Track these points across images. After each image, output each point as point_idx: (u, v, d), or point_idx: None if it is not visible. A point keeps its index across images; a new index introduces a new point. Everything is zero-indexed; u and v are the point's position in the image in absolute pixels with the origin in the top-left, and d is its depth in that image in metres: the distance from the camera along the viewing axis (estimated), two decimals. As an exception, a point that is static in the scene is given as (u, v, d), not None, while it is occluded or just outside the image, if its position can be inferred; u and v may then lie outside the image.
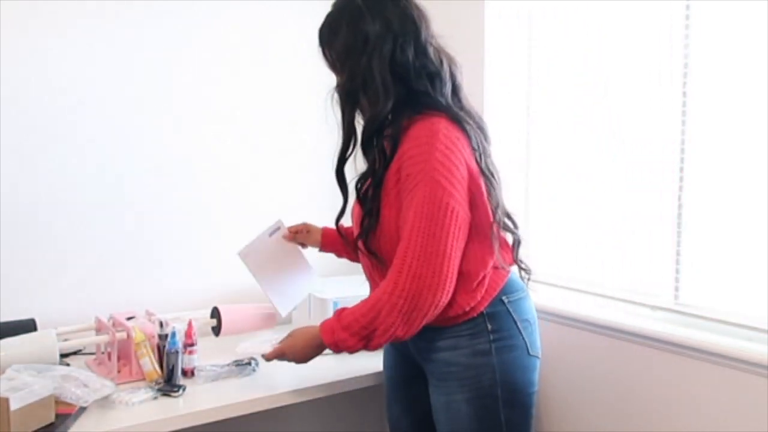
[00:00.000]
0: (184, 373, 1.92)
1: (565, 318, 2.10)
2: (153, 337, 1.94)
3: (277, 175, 2.55)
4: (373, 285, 1.75)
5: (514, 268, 1.76)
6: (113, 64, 2.21)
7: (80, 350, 2.07)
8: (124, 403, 1.74)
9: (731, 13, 1.79)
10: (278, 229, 2.03)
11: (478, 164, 1.60)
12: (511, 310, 1.67)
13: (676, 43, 1.89)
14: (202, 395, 1.84)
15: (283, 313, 2.00)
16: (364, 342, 1.59)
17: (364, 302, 1.61)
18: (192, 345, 1.95)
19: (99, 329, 2.03)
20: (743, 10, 1.76)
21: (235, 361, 2.02)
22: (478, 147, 1.61)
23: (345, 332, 1.59)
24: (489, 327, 1.64)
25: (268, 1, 2.47)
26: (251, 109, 2.48)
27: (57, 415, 1.61)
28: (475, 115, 1.70)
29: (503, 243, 1.70)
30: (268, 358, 1.78)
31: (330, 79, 1.71)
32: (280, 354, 1.74)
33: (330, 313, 2.15)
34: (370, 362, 2.11)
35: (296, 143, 2.56)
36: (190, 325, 1.97)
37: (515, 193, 2.28)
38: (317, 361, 2.13)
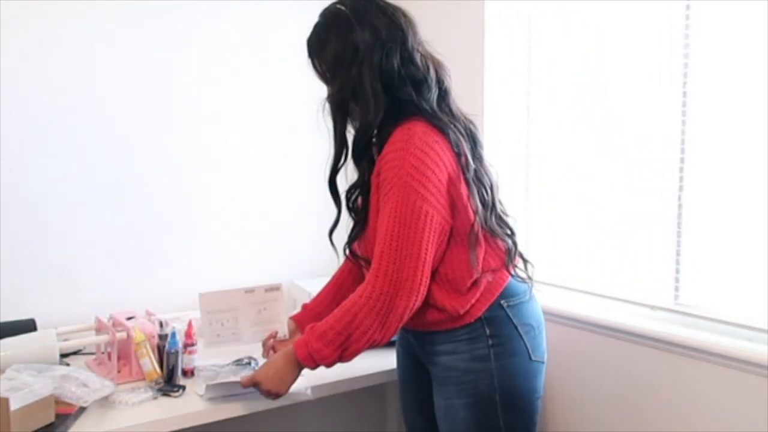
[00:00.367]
0: (184, 373, 1.92)
1: (565, 318, 2.10)
2: (153, 337, 1.94)
3: (278, 175, 2.55)
4: None
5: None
6: (113, 65, 2.21)
7: (80, 350, 2.07)
8: (124, 403, 1.74)
9: (731, 13, 1.79)
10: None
11: (461, 168, 1.59)
12: (510, 314, 1.65)
13: (676, 43, 1.89)
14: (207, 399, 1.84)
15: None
16: (341, 351, 1.56)
17: (337, 309, 1.59)
18: (192, 345, 1.94)
19: (99, 329, 2.03)
20: (743, 10, 1.76)
21: (235, 361, 2.02)
22: (461, 151, 1.59)
23: (319, 342, 1.57)
24: (487, 332, 1.63)
25: (268, 1, 2.47)
26: (252, 110, 2.48)
27: (57, 415, 1.60)
28: (463, 119, 1.68)
29: (496, 248, 1.67)
30: (244, 384, 1.71)
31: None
32: (255, 382, 1.67)
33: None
34: (371, 362, 2.10)
35: (297, 144, 2.56)
36: (190, 325, 1.97)
37: (515, 194, 2.28)
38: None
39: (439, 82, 1.65)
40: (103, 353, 2.00)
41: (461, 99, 1.73)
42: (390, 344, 2.22)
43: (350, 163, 1.67)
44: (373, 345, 1.58)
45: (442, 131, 1.58)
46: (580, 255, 2.20)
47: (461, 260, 1.61)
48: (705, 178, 1.87)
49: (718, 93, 1.83)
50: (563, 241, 2.24)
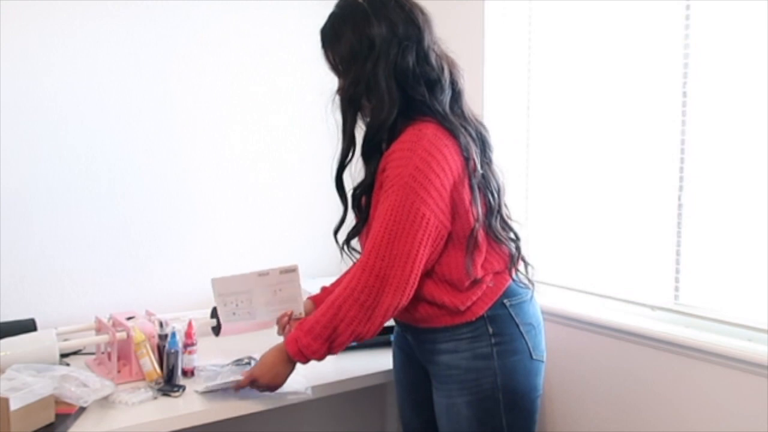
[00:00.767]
0: (184, 373, 1.92)
1: (565, 318, 2.10)
2: (153, 337, 1.94)
3: (278, 177, 2.55)
4: None
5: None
6: (113, 66, 2.21)
7: (80, 350, 2.07)
8: (124, 403, 1.74)
9: (731, 13, 1.79)
10: None
11: (468, 173, 1.58)
12: (513, 313, 1.65)
13: (676, 43, 1.90)
14: (202, 395, 1.84)
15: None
16: (328, 344, 1.58)
17: (324, 304, 1.61)
18: (192, 345, 1.94)
19: (99, 329, 2.03)
20: (743, 10, 1.76)
21: (235, 360, 2.02)
22: (469, 155, 1.58)
23: (307, 336, 1.59)
24: (490, 330, 1.63)
25: (268, 2, 2.47)
26: (252, 110, 2.48)
27: (57, 415, 1.60)
28: (475, 122, 1.68)
29: (500, 251, 1.66)
30: (240, 386, 1.74)
31: (332, 81, 1.70)
32: (252, 379, 1.71)
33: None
34: (370, 363, 2.11)
35: (297, 146, 2.56)
36: (190, 325, 1.97)
37: (515, 194, 2.28)
38: (317, 361, 2.15)
39: (453, 83, 1.63)
40: (103, 353, 2.00)
41: (461, 99, 1.72)
42: (388, 344, 2.24)
43: (356, 160, 1.66)
44: (359, 338, 1.58)
45: (453, 134, 1.57)
46: (579, 255, 2.20)
47: (458, 263, 1.61)
48: (705, 178, 1.87)
49: (718, 93, 1.83)
50: (563, 240, 2.24)
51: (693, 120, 1.88)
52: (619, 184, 2.07)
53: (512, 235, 1.69)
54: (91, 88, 2.18)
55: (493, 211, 1.64)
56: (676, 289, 1.94)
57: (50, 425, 1.58)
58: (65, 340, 1.93)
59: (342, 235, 1.73)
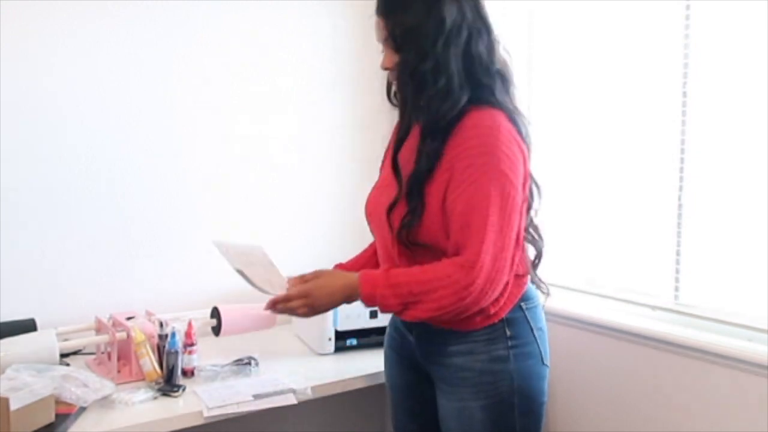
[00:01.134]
0: (184, 373, 1.92)
1: (566, 318, 2.10)
2: (153, 337, 1.94)
3: (278, 176, 2.55)
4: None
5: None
6: (114, 66, 2.21)
7: (80, 350, 2.07)
8: (124, 403, 1.74)
9: (731, 13, 1.79)
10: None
11: (528, 169, 1.55)
12: (528, 317, 1.62)
13: (676, 43, 1.90)
14: (202, 395, 1.84)
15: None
16: (403, 307, 1.52)
17: (423, 270, 1.51)
18: (192, 345, 1.95)
19: (99, 329, 2.03)
20: (743, 10, 1.76)
21: (235, 360, 2.02)
22: (530, 152, 1.56)
23: (389, 289, 1.52)
24: (508, 333, 1.59)
25: (268, 2, 2.47)
26: (253, 110, 2.47)
27: (57, 415, 1.60)
28: (527, 118, 1.64)
29: (525, 254, 1.64)
30: (289, 296, 1.61)
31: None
32: (305, 294, 1.60)
33: (330, 314, 2.16)
34: (370, 363, 2.11)
35: (297, 147, 2.56)
36: (190, 325, 1.97)
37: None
38: (317, 361, 2.15)
39: (510, 79, 1.61)
40: (103, 353, 2.00)
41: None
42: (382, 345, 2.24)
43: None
44: (430, 320, 1.53)
45: (518, 128, 1.54)
46: (579, 255, 2.20)
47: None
48: (705, 178, 1.87)
49: (718, 93, 1.83)
50: (563, 240, 2.24)
51: (693, 120, 1.88)
52: (619, 184, 2.07)
53: (538, 236, 1.66)
54: (92, 88, 2.18)
55: (530, 210, 1.62)
56: (676, 289, 1.94)
57: (50, 425, 1.58)
58: (65, 340, 1.93)
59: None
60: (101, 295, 2.20)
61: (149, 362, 1.87)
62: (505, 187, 1.47)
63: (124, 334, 1.91)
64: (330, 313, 2.17)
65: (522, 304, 1.61)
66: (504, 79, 1.58)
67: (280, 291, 1.64)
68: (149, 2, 2.24)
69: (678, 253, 1.93)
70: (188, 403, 1.79)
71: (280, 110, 2.53)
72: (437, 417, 1.69)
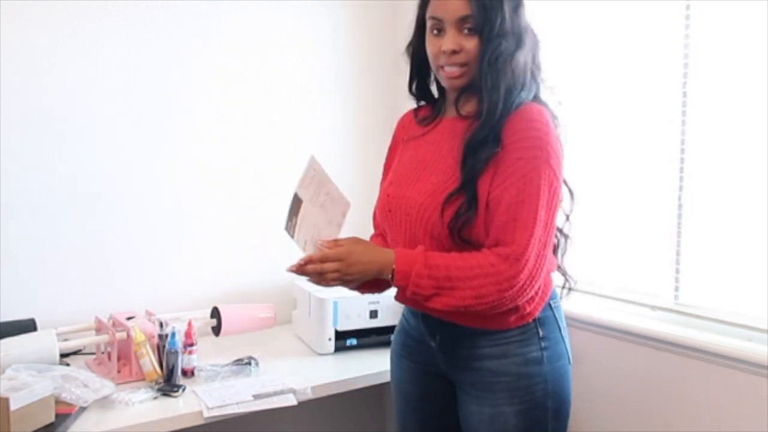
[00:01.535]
0: (184, 373, 1.92)
1: (565, 318, 2.09)
2: (153, 337, 1.94)
3: (278, 176, 2.55)
4: None
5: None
6: (114, 65, 2.21)
7: (80, 350, 2.07)
8: (124, 403, 1.74)
9: (731, 13, 1.79)
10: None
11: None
12: (556, 315, 1.58)
13: (676, 43, 1.90)
14: (202, 395, 1.84)
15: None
16: (434, 292, 1.44)
17: (463, 257, 1.45)
18: (192, 345, 1.95)
19: (99, 329, 2.03)
20: (743, 10, 1.76)
21: (235, 360, 2.02)
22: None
23: (426, 270, 1.44)
24: (540, 333, 1.54)
25: (268, 2, 2.47)
26: (252, 111, 2.47)
27: (57, 415, 1.60)
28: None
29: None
30: (327, 257, 1.49)
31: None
32: (341, 257, 1.48)
33: (330, 314, 2.17)
34: (370, 363, 2.11)
35: (296, 144, 2.56)
36: (190, 325, 1.97)
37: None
38: (317, 361, 2.15)
39: (546, 80, 1.60)
40: (103, 353, 2.00)
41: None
42: (387, 344, 2.24)
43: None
44: (463, 310, 1.45)
45: (556, 126, 1.54)
46: (579, 255, 2.19)
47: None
48: (705, 178, 1.87)
49: (718, 93, 1.83)
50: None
51: (693, 120, 1.88)
52: (619, 184, 2.07)
53: (565, 233, 1.65)
54: (92, 88, 2.18)
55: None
56: (676, 289, 1.94)
57: (50, 425, 1.58)
58: (65, 340, 1.93)
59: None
60: (101, 295, 2.20)
61: (149, 362, 1.87)
62: (552, 184, 1.45)
63: (124, 334, 1.91)
64: (330, 313, 2.17)
65: (551, 302, 1.58)
66: (542, 79, 1.58)
67: (316, 250, 1.52)
68: (149, 2, 2.25)
69: (678, 253, 1.93)
70: (188, 403, 1.79)
71: (280, 110, 2.52)
72: (452, 426, 1.62)
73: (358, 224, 1.81)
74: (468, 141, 1.49)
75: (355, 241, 1.54)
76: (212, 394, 1.82)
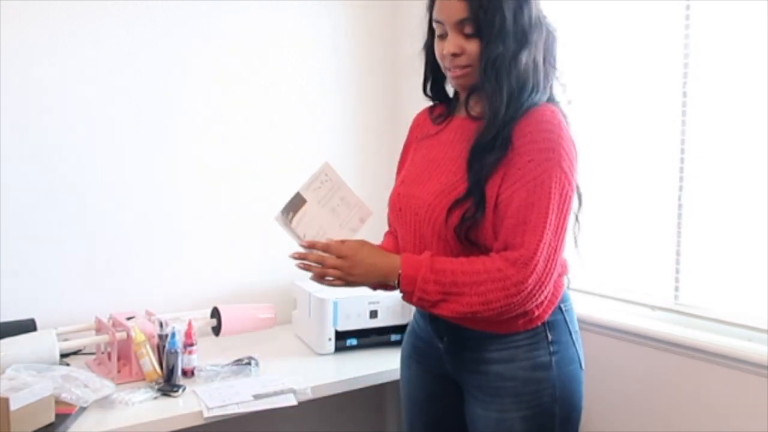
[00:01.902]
0: (184, 373, 1.92)
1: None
2: (153, 337, 1.94)
3: (278, 176, 2.55)
4: None
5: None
6: (114, 65, 2.21)
7: (80, 350, 2.07)
8: (124, 403, 1.74)
9: (731, 13, 1.79)
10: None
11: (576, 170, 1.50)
12: (567, 319, 1.55)
13: (676, 43, 1.90)
14: (202, 395, 1.84)
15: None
16: (441, 298, 1.42)
17: (471, 261, 1.43)
18: (192, 345, 1.94)
19: (99, 329, 2.03)
20: (743, 10, 1.76)
21: (235, 361, 2.02)
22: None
23: (433, 275, 1.43)
24: (549, 337, 1.51)
25: (268, 2, 2.47)
26: (252, 111, 2.47)
27: (57, 415, 1.60)
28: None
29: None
30: (329, 246, 1.50)
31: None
32: (344, 255, 1.49)
33: (330, 314, 2.17)
34: (370, 363, 2.11)
35: (297, 145, 2.56)
36: (190, 325, 1.97)
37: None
38: (317, 361, 2.15)
39: (562, 79, 1.57)
40: (103, 353, 2.00)
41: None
42: (387, 344, 2.24)
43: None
44: (470, 315, 1.43)
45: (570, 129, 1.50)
46: (579, 255, 2.19)
47: None
48: (705, 178, 1.87)
49: (718, 93, 1.83)
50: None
51: (693, 120, 1.88)
52: (619, 184, 2.07)
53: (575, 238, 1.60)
54: (92, 88, 2.18)
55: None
56: (676, 289, 1.94)
57: (50, 425, 1.58)
58: (65, 340, 1.93)
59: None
60: (101, 295, 2.20)
61: (149, 362, 1.87)
62: (564, 187, 1.41)
63: (124, 334, 1.91)
64: (330, 313, 2.17)
65: (561, 305, 1.55)
66: (557, 77, 1.55)
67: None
68: (149, 2, 2.24)
69: (678, 254, 1.93)
70: (188, 403, 1.79)
71: (280, 110, 2.52)
72: (460, 428, 1.61)
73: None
74: (474, 146, 1.47)
75: (362, 243, 1.53)
76: (212, 394, 1.82)
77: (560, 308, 1.54)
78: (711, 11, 1.84)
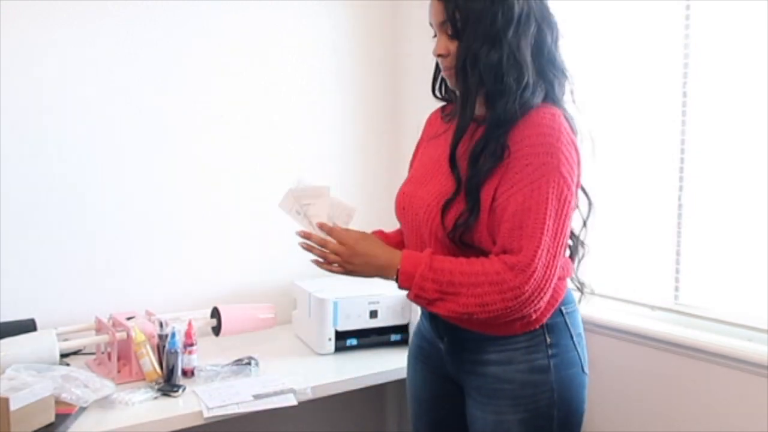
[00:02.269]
0: (184, 373, 1.92)
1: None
2: (153, 337, 1.94)
3: (278, 176, 2.54)
4: None
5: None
6: (114, 65, 2.21)
7: (80, 350, 2.07)
8: (124, 403, 1.74)
9: (731, 13, 1.79)
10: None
11: (580, 172, 1.49)
12: (568, 322, 1.53)
13: (676, 43, 1.90)
14: (202, 395, 1.84)
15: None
16: (438, 297, 1.42)
17: (470, 262, 1.42)
18: (192, 345, 1.94)
19: (99, 329, 2.03)
20: (743, 10, 1.76)
21: (235, 361, 2.02)
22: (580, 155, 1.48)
23: (431, 273, 1.42)
24: (548, 340, 1.50)
25: (268, 2, 2.47)
26: (252, 111, 2.47)
27: (57, 415, 1.60)
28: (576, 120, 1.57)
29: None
30: (333, 231, 1.54)
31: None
32: (346, 242, 1.51)
33: (330, 314, 2.17)
34: (370, 363, 2.11)
35: (297, 144, 2.56)
36: (190, 325, 1.97)
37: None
38: (317, 361, 2.15)
39: (570, 77, 1.54)
40: (103, 353, 2.00)
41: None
42: (387, 344, 2.24)
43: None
44: (465, 317, 1.43)
45: (574, 131, 1.48)
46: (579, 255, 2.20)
47: None
48: (705, 178, 1.87)
49: (718, 93, 1.83)
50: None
51: (693, 120, 1.88)
52: (619, 185, 2.07)
53: (580, 242, 1.61)
54: (92, 88, 2.18)
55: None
56: (676, 289, 1.94)
57: (50, 425, 1.58)
58: (65, 340, 1.93)
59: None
60: (101, 295, 2.20)
61: (149, 362, 1.87)
62: (563, 191, 1.39)
63: (124, 334, 1.91)
64: (330, 313, 2.17)
65: (562, 308, 1.53)
66: (564, 78, 1.52)
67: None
68: (149, 2, 2.24)
69: (678, 254, 1.93)
70: (188, 403, 1.79)
71: (280, 110, 2.52)
72: (464, 428, 1.60)
73: (363, 223, 1.81)
74: (464, 149, 1.46)
75: (365, 235, 1.56)
76: (212, 394, 1.82)
77: (561, 311, 1.52)
78: (711, 11, 1.84)
